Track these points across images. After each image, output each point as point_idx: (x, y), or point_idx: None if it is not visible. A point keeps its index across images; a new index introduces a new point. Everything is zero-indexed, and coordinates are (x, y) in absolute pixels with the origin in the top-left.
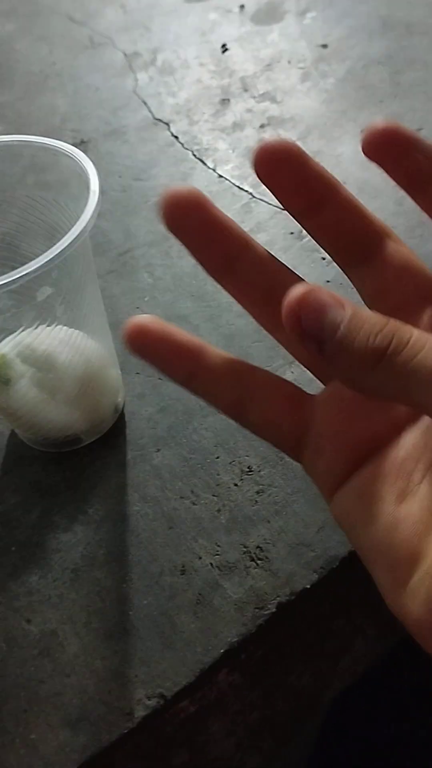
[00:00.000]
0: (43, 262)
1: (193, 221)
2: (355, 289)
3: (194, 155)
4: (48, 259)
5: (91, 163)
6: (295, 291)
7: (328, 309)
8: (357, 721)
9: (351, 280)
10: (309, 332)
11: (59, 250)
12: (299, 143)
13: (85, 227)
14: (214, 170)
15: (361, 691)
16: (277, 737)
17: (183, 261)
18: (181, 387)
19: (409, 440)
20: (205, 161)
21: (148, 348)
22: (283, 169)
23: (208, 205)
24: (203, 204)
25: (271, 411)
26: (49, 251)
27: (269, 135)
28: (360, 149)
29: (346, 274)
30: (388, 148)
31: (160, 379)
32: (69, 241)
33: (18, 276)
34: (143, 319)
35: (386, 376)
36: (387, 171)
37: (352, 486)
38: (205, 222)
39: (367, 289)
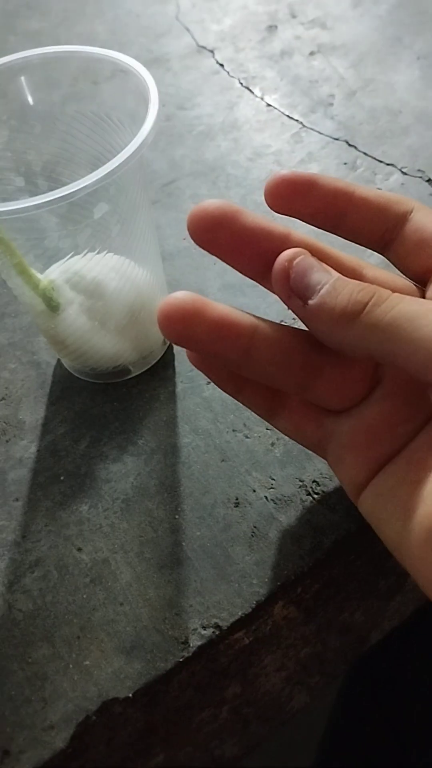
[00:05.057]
0: (103, 174)
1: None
2: None
3: (241, 83)
4: (108, 170)
5: (149, 74)
6: (287, 253)
7: (315, 270)
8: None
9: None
10: (295, 289)
11: (120, 162)
12: (351, 70)
13: (145, 139)
14: (261, 98)
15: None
16: (326, 673)
17: (231, 192)
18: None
19: (419, 441)
20: (252, 89)
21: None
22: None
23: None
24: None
25: (299, 419)
26: (108, 164)
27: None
28: (417, 77)
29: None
30: (289, 193)
31: None
32: (130, 152)
33: (77, 188)
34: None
35: (365, 327)
36: (301, 217)
37: (371, 488)
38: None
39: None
